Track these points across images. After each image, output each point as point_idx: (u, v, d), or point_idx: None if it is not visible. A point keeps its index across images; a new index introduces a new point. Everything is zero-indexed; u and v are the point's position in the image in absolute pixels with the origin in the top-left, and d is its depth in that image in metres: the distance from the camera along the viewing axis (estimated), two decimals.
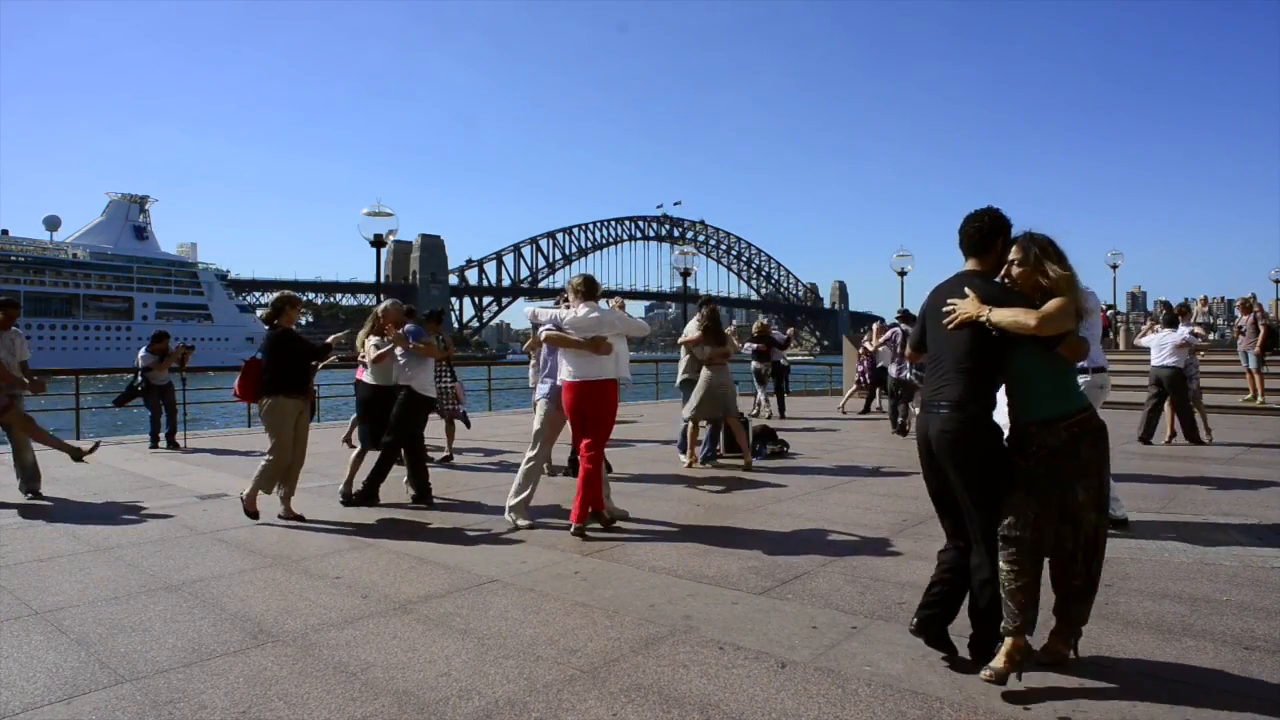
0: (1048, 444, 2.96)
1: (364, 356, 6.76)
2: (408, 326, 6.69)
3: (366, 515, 6.10)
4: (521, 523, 5.58)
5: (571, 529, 5.30)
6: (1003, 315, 2.91)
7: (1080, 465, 2.97)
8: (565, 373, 5.49)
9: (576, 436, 5.57)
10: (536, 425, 5.81)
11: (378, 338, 6.68)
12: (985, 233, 3.14)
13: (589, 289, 5.66)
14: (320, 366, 6.35)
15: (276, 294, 6.26)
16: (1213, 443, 9.84)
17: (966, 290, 3.04)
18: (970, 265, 3.18)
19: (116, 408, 11.29)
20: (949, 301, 3.07)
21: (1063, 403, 3.02)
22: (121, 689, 3.01)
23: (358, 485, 6.44)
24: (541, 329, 5.65)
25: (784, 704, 2.81)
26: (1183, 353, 9.81)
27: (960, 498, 3.03)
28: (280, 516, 5.84)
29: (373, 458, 6.55)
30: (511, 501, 5.69)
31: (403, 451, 6.64)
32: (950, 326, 3.02)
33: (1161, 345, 9.90)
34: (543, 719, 2.75)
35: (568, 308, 5.65)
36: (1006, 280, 3.09)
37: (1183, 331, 9.98)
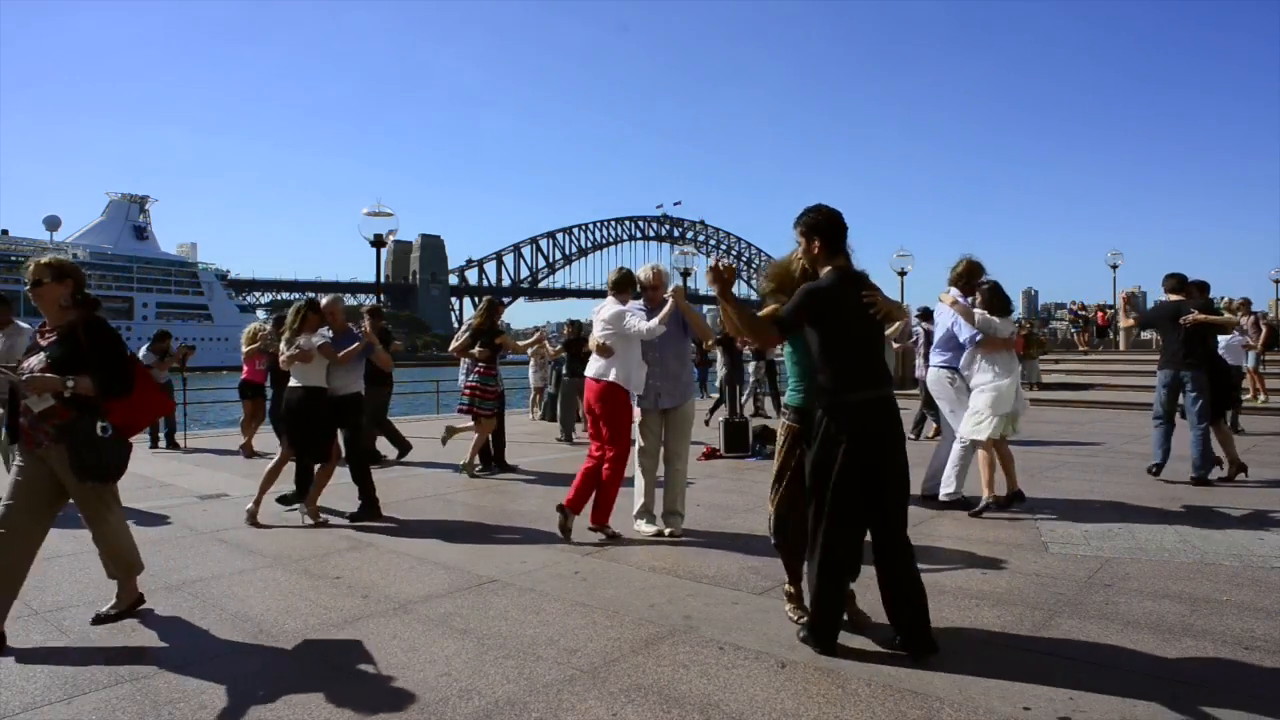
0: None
1: (284, 357, 5.69)
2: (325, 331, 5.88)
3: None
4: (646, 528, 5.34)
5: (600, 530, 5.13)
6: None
7: (782, 460, 3.50)
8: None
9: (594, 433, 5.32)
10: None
11: (311, 336, 5.68)
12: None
13: (617, 286, 5.32)
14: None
15: None
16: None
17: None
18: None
19: None
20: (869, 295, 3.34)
21: (793, 396, 3.53)
22: (121, 689, 3.01)
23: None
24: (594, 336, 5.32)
25: (784, 704, 2.81)
26: (1245, 351, 10.62)
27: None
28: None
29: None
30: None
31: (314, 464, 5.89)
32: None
33: (1230, 345, 10.43)
34: (543, 719, 2.75)
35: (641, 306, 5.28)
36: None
37: (1240, 335, 10.84)
